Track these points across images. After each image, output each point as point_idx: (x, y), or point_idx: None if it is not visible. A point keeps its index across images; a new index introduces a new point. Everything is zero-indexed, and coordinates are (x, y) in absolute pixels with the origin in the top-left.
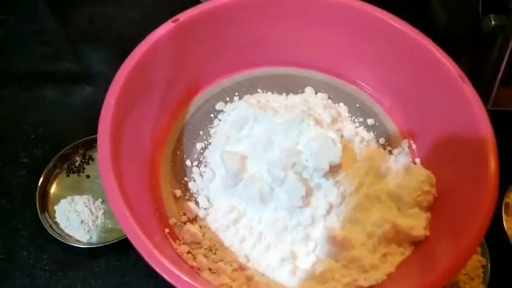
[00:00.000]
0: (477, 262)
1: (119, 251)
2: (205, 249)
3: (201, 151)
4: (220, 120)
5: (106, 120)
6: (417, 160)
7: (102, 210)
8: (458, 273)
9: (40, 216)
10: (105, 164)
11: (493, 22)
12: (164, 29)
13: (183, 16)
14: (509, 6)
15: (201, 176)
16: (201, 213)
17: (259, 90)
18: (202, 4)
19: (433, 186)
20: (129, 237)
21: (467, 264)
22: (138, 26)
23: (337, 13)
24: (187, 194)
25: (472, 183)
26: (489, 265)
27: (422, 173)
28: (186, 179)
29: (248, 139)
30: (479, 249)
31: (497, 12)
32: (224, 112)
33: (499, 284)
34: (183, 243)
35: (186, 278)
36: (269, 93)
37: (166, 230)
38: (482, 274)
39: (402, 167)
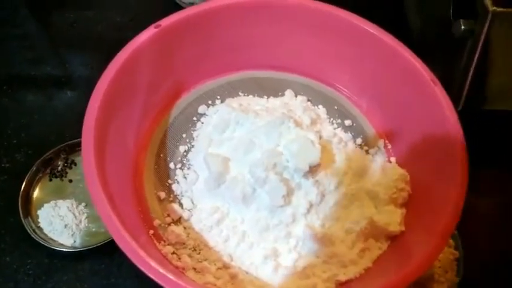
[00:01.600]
0: (451, 255)
1: (103, 254)
2: (189, 249)
3: (184, 154)
4: (202, 123)
5: (89, 125)
6: (392, 159)
7: (86, 214)
8: (433, 266)
9: (23, 221)
10: (90, 168)
11: (462, 27)
12: (146, 34)
13: (165, 21)
14: (478, 11)
15: (185, 178)
16: (185, 215)
17: (240, 94)
18: (184, 10)
19: (408, 184)
20: (115, 239)
21: (441, 258)
22: (120, 30)
23: (315, 18)
24: (171, 195)
25: (443, 180)
26: (462, 257)
27: (397, 172)
28: (169, 181)
29: (230, 141)
30: (452, 243)
31: (467, 17)
32: (206, 115)
33: (472, 276)
34: (168, 244)
35: (171, 277)
36: (250, 96)
37: (151, 232)
38: (456, 267)
39: (378, 166)
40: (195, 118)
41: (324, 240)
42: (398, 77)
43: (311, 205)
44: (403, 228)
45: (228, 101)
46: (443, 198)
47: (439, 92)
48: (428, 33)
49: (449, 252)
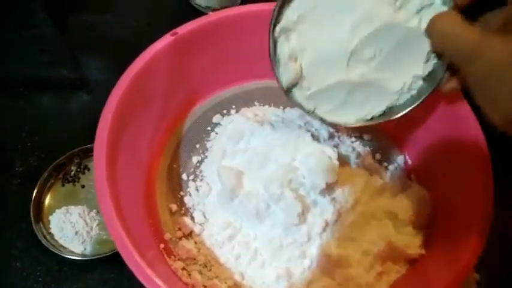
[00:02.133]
0: (471, 277)
1: (113, 263)
2: (200, 265)
3: (197, 164)
4: (217, 133)
5: (102, 135)
6: (412, 176)
7: (97, 221)
8: None
9: (34, 227)
10: (101, 181)
11: None
12: (163, 42)
13: (182, 29)
14: None
15: (197, 190)
16: (196, 229)
17: (256, 103)
18: (200, 18)
19: (428, 205)
20: (123, 256)
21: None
22: (137, 34)
23: None
24: (183, 208)
25: (467, 202)
26: (484, 280)
27: (417, 192)
28: (182, 193)
29: (244, 154)
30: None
31: None
32: (221, 125)
33: None
34: (178, 259)
35: None
36: (266, 106)
37: (161, 246)
38: None
39: (398, 183)
40: (209, 128)
41: (339, 261)
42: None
43: (327, 224)
44: (423, 252)
45: (243, 110)
46: (467, 222)
47: (463, 107)
48: None
49: (469, 274)
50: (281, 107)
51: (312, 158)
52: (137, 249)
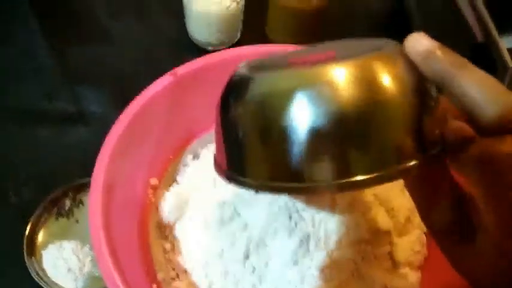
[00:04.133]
0: None
1: None
2: None
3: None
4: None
5: (99, 175)
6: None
7: (90, 257)
8: None
9: (27, 262)
10: (95, 218)
11: None
12: (162, 83)
13: (181, 70)
14: (497, 66)
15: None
16: (189, 268)
17: None
18: (200, 59)
19: (424, 246)
20: None
21: None
22: (136, 67)
23: None
24: (177, 247)
25: None
26: None
27: (413, 232)
28: (175, 231)
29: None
30: None
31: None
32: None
33: None
34: None
35: None
36: None
37: (154, 286)
38: None
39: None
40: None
41: None
42: None
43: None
44: None
45: None
46: None
47: None
48: None
49: None
50: None
51: None
52: None
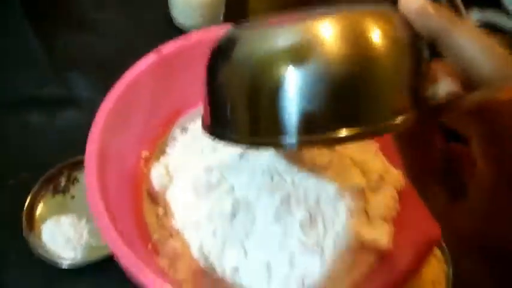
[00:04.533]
0: (440, 269)
1: (103, 269)
2: (186, 263)
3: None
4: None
5: (93, 144)
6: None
7: (87, 229)
8: (424, 280)
9: (26, 237)
10: (92, 186)
11: None
12: (147, 60)
13: (166, 48)
14: None
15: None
16: (181, 228)
17: None
18: (183, 36)
19: (397, 202)
20: (115, 253)
21: (431, 272)
22: (120, 53)
23: None
24: (170, 211)
25: None
26: (451, 272)
27: (386, 189)
28: (167, 197)
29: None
30: (442, 257)
31: None
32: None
33: None
34: (166, 258)
35: None
36: None
37: (149, 246)
38: (445, 281)
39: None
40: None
41: (314, 254)
42: None
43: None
44: (390, 245)
45: None
46: (429, 218)
47: None
48: None
49: (439, 266)
50: None
51: None
52: (131, 250)
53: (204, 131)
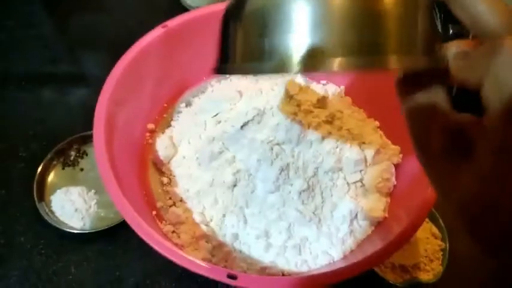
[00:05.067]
0: (437, 246)
1: (109, 237)
2: (188, 228)
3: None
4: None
5: (100, 115)
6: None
7: (95, 200)
8: (419, 255)
9: (37, 205)
10: (101, 155)
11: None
12: (154, 34)
13: (172, 22)
14: None
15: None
16: (184, 196)
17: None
18: (189, 12)
19: (393, 175)
20: (126, 218)
21: (428, 248)
22: (130, 32)
23: None
24: (173, 180)
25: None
26: (447, 248)
27: (383, 163)
28: (171, 167)
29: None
30: (439, 234)
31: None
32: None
33: (455, 266)
34: (169, 224)
35: (177, 250)
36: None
37: (154, 212)
38: (441, 257)
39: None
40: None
41: (312, 223)
42: (387, 77)
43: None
44: (386, 215)
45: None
46: (422, 190)
47: None
48: None
49: (436, 243)
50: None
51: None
52: (138, 215)
53: (214, 73)
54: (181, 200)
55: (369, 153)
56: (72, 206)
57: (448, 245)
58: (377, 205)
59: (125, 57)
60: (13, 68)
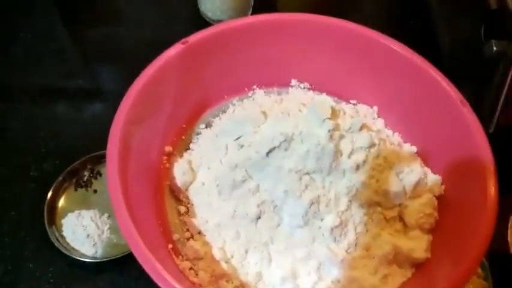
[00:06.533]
0: (480, 286)
1: (122, 266)
2: (207, 265)
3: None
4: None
5: (115, 137)
6: None
7: (108, 225)
8: None
9: (47, 229)
10: (113, 181)
11: (494, 48)
12: (173, 50)
13: (192, 38)
14: (511, 32)
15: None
16: (203, 229)
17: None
18: (210, 27)
19: (435, 209)
20: (135, 253)
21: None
22: (149, 46)
23: (340, 36)
24: (191, 210)
25: (473, 207)
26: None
27: (424, 195)
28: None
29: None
30: (482, 273)
31: (499, 38)
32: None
33: None
34: (186, 259)
35: None
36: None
37: (170, 246)
38: None
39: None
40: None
41: (344, 264)
42: (428, 98)
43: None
44: (429, 256)
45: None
46: (472, 225)
47: (467, 113)
48: (458, 53)
49: (479, 282)
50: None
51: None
52: (148, 248)
53: None
54: (199, 233)
55: (408, 184)
56: (84, 232)
57: (492, 285)
58: (418, 244)
59: (143, 75)
60: (27, 82)
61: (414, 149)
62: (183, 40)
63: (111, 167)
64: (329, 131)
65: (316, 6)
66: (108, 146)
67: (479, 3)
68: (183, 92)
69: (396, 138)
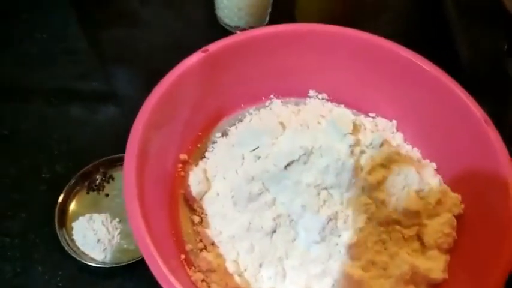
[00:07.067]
0: None
1: (132, 272)
2: (220, 278)
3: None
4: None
5: (134, 142)
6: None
7: (119, 230)
8: None
9: (58, 232)
10: (130, 187)
11: None
12: (194, 58)
13: (213, 47)
14: None
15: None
16: (217, 240)
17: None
18: (231, 36)
19: (454, 229)
20: (146, 260)
21: None
22: (165, 50)
23: (360, 48)
24: (205, 220)
25: (494, 228)
26: None
27: (444, 215)
28: (204, 206)
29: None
30: None
31: None
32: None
33: None
34: (198, 271)
35: None
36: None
37: (182, 256)
38: None
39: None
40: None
41: (360, 282)
42: (449, 115)
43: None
44: (446, 276)
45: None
46: (493, 248)
47: (491, 132)
48: (480, 70)
49: None
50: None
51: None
52: (162, 258)
53: None
54: (213, 244)
55: (428, 202)
56: (94, 236)
57: None
58: (436, 264)
59: (164, 81)
60: (41, 82)
61: (434, 165)
62: (204, 48)
63: (128, 174)
64: (350, 146)
65: (334, 14)
66: (127, 151)
67: (498, 12)
68: (201, 100)
69: (416, 153)
